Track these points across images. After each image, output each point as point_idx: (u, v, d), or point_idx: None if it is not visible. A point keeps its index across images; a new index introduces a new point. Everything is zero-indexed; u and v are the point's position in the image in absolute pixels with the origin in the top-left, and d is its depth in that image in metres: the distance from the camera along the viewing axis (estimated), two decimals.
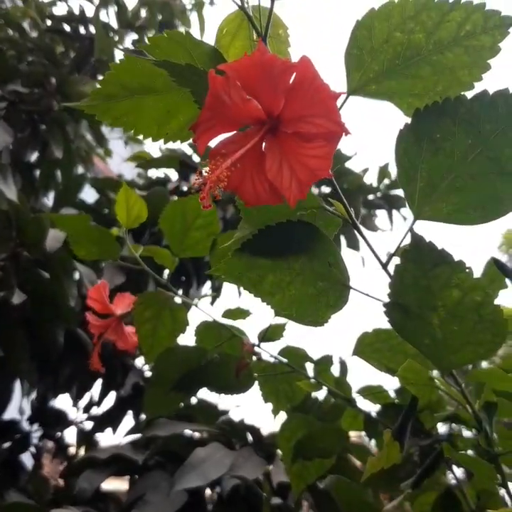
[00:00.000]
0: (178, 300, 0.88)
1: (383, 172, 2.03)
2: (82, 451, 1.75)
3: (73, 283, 1.23)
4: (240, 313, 0.87)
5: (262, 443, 1.28)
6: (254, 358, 0.86)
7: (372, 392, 0.85)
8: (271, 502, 1.15)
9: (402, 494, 0.66)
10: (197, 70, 0.43)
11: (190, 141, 0.50)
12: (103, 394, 1.65)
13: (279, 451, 1.25)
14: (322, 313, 0.54)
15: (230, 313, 0.88)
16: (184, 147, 1.92)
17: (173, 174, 1.94)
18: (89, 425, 1.77)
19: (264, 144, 0.44)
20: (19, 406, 1.68)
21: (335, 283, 0.54)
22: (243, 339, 0.86)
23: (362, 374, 0.92)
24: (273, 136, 0.43)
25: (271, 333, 0.86)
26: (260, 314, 0.90)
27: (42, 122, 1.70)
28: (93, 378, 1.63)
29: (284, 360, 0.86)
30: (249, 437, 1.29)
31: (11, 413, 1.60)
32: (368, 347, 0.83)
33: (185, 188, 1.71)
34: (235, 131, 0.44)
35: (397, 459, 0.59)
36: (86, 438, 1.77)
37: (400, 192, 2.05)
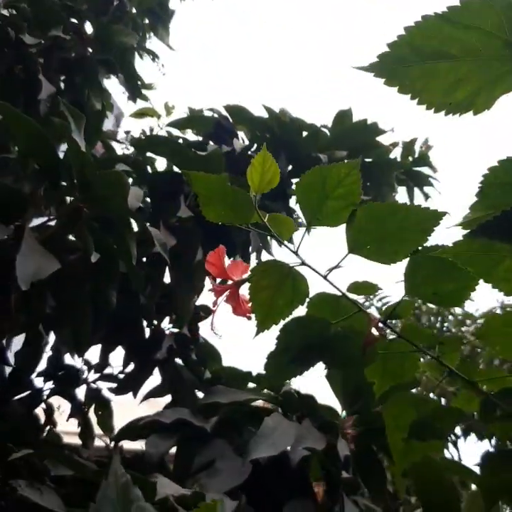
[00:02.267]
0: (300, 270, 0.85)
1: (408, 148, 2.02)
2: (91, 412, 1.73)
3: (134, 243, 1.18)
4: (368, 288, 0.85)
5: (318, 414, 1.27)
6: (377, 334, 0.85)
7: (492, 377, 0.86)
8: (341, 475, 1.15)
9: None
10: None
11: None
12: (129, 357, 1.62)
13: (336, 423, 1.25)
14: None
15: (356, 288, 0.86)
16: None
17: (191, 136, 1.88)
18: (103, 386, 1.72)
19: None
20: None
21: None
22: (370, 315, 0.84)
23: None
24: None
25: (399, 311, 0.85)
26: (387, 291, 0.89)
27: (79, 71, 1.61)
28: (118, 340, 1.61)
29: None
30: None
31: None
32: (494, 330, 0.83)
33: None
34: None
35: None
36: (96, 397, 1.74)
37: (424, 169, 2.05)
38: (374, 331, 0.83)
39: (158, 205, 1.54)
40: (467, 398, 0.88)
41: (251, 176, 0.82)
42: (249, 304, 0.87)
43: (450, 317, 7.98)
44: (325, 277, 0.84)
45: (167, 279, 1.57)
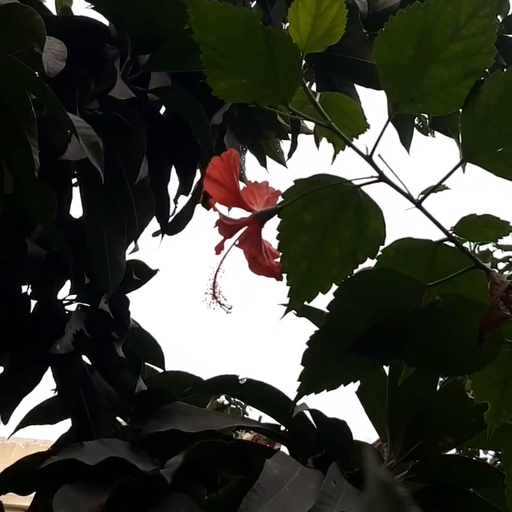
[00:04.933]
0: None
1: None
2: None
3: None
4: (491, 229, 0.48)
5: (349, 454, 0.86)
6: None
7: None
8: None
9: None
10: None
11: None
12: None
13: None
14: None
15: (468, 226, 0.49)
16: None
17: None
18: None
19: None
20: None
21: None
22: (493, 274, 0.47)
23: None
24: None
25: None
26: None
27: None
28: None
29: None
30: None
31: None
32: None
33: None
34: None
35: None
36: None
37: None
38: (500, 304, 0.47)
39: (72, 77, 0.85)
40: None
41: (296, 18, 0.46)
42: (279, 256, 0.51)
43: None
44: (418, 204, 0.48)
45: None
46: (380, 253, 0.52)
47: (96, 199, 0.90)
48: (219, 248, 0.50)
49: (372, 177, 0.48)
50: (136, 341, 1.07)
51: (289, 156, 1.37)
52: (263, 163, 1.35)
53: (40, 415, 1.03)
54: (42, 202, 0.78)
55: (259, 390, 0.86)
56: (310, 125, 1.45)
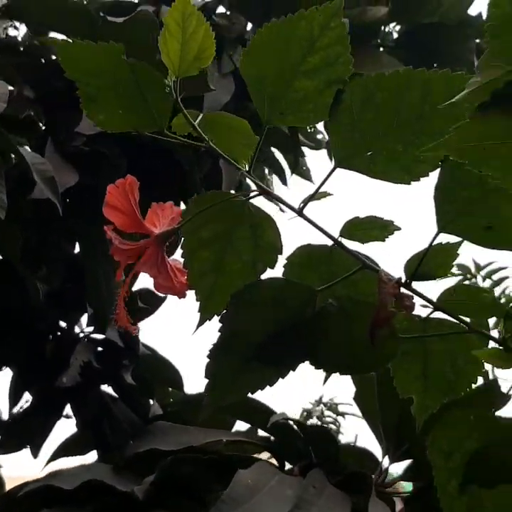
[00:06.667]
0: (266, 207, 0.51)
1: None
2: None
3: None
4: (377, 229, 0.50)
5: (337, 461, 0.86)
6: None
7: None
8: None
9: None
10: None
11: None
12: (20, 386, 1.05)
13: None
14: None
15: (354, 228, 0.50)
16: None
17: None
18: None
19: None
20: None
21: None
22: (381, 273, 0.49)
23: None
24: None
25: (430, 264, 0.49)
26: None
27: None
28: None
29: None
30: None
31: None
32: None
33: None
34: None
35: None
36: None
37: None
38: (389, 301, 0.48)
39: (53, 117, 0.95)
40: None
41: (165, 46, 0.48)
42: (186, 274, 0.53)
43: None
44: (300, 212, 0.49)
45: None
46: (285, 261, 0.54)
47: (91, 234, 0.93)
48: (118, 274, 0.51)
49: (254, 191, 0.49)
50: (151, 367, 1.09)
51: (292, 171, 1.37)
52: (284, 182, 1.35)
53: (72, 447, 1.05)
54: (7, 239, 0.81)
55: (242, 403, 0.87)
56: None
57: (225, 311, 0.49)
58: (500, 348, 0.49)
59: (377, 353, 0.50)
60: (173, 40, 0.48)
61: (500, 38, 0.29)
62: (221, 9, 1.31)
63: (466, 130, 0.29)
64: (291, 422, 0.83)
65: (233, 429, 0.93)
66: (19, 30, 1.07)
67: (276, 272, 0.54)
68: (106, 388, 1.08)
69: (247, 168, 0.49)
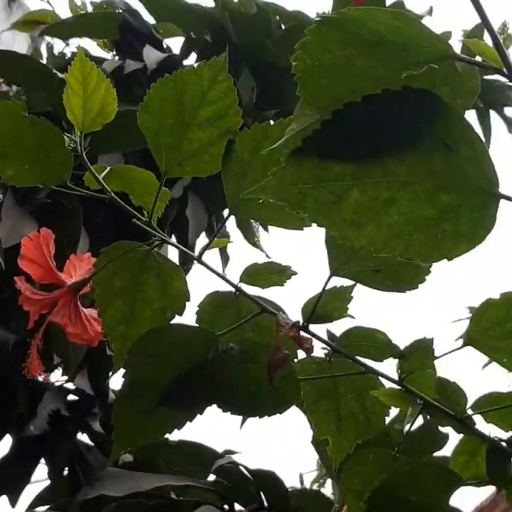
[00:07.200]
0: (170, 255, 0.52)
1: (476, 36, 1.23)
2: None
3: None
4: (275, 274, 0.51)
5: (287, 506, 0.86)
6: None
7: (500, 406, 0.50)
8: None
9: None
10: None
11: None
12: None
13: None
14: (446, 251, 0.34)
15: (254, 274, 0.52)
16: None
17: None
18: None
19: None
20: None
21: (472, 191, 0.33)
22: (278, 317, 0.50)
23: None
24: None
25: (326, 307, 0.50)
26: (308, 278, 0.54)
27: None
28: None
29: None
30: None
31: None
32: (491, 329, 0.48)
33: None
34: None
35: None
36: None
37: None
38: (282, 344, 0.48)
39: None
40: (471, 450, 0.52)
41: (69, 103, 0.51)
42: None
43: None
44: (199, 259, 0.51)
45: None
46: (197, 308, 0.55)
47: None
48: (30, 323, 0.53)
49: (158, 239, 0.51)
50: None
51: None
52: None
53: (49, 496, 1.03)
54: None
55: (190, 449, 0.87)
56: None
57: (127, 358, 0.50)
58: (399, 388, 0.50)
59: (279, 395, 0.51)
60: (76, 96, 0.50)
61: (307, 89, 0.31)
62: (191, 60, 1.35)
63: (281, 175, 0.31)
64: (241, 467, 0.83)
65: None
66: None
67: (189, 318, 0.55)
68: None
69: (148, 218, 0.51)
